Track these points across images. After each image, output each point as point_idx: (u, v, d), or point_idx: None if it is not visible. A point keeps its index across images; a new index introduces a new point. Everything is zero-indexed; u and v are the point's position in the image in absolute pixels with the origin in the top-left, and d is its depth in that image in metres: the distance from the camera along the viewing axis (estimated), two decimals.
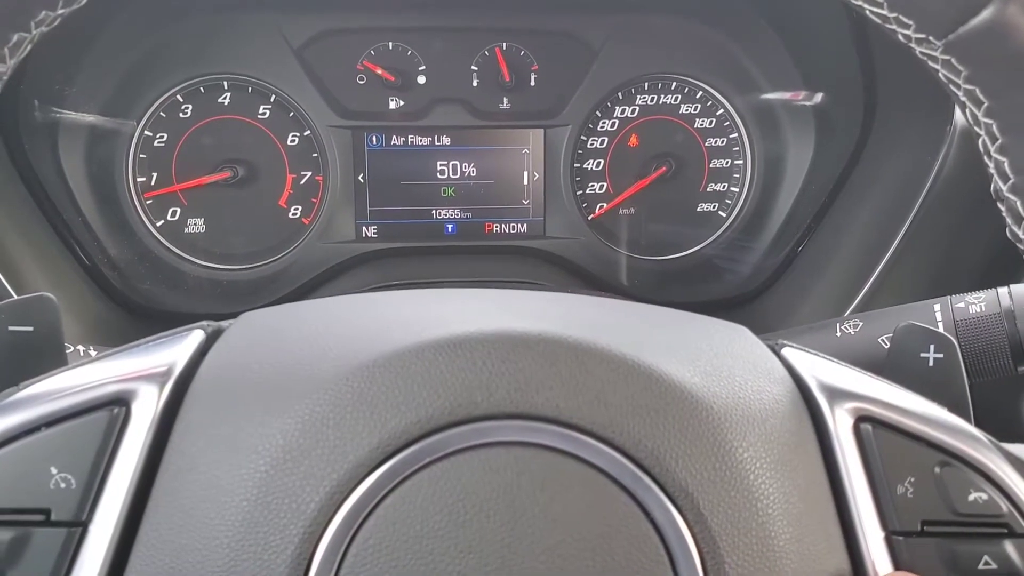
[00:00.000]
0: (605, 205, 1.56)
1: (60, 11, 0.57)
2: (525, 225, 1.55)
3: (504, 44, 1.51)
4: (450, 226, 1.55)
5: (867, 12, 0.59)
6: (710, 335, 0.59)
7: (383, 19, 1.49)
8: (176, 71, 1.45)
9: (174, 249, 1.50)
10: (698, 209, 1.58)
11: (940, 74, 0.59)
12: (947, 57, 0.57)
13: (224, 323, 0.60)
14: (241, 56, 1.46)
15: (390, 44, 1.50)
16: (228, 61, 1.46)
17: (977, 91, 0.57)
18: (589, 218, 1.56)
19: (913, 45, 0.58)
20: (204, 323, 0.59)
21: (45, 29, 0.57)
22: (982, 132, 0.58)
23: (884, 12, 0.58)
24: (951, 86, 0.59)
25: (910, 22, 0.56)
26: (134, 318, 1.43)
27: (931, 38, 0.56)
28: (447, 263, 1.55)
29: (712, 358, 0.55)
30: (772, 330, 0.99)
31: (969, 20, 0.54)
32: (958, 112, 1.19)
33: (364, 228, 1.53)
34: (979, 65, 0.56)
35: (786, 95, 1.51)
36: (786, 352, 0.59)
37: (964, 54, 0.56)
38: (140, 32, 1.41)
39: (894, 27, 0.58)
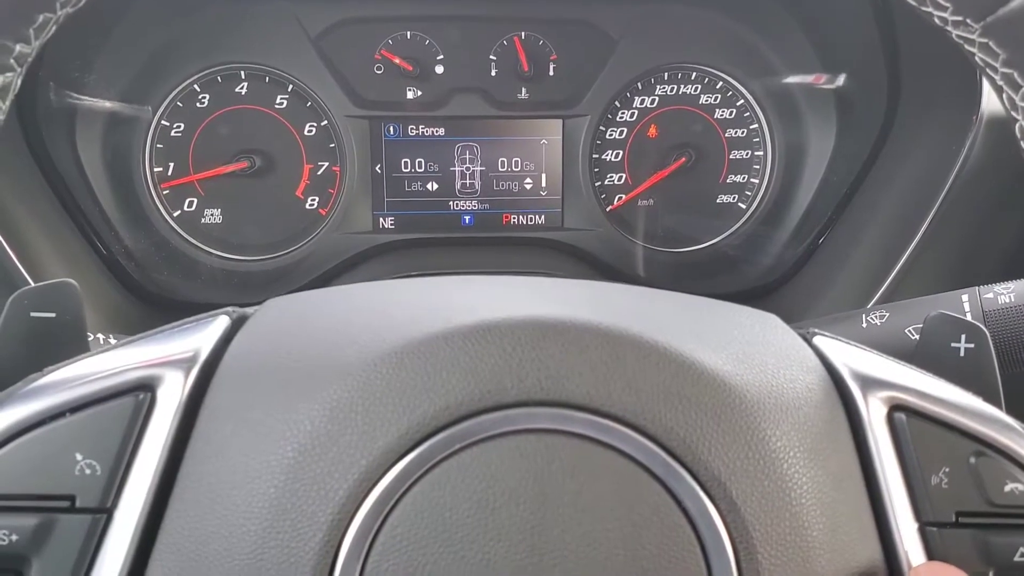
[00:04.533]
0: (624, 196, 1.55)
1: None
2: (543, 216, 1.55)
3: (523, 33, 1.50)
4: (467, 217, 1.54)
5: None
6: (740, 323, 0.58)
7: (401, 8, 1.48)
8: (193, 60, 1.45)
9: (191, 239, 1.50)
10: (718, 200, 1.57)
11: (976, 58, 0.58)
12: (985, 40, 0.56)
13: (249, 309, 0.59)
14: (258, 45, 1.46)
15: (408, 33, 1.49)
16: (245, 50, 1.46)
17: (1015, 74, 0.56)
18: (607, 209, 1.55)
19: (949, 28, 0.57)
20: (229, 309, 0.59)
21: (70, 10, 0.56)
22: (1020, 116, 0.57)
23: None
24: (988, 70, 0.58)
25: (947, 4, 0.55)
26: (150, 308, 1.43)
27: (969, 20, 0.55)
28: (464, 254, 1.54)
29: (743, 346, 0.54)
30: (793, 322, 0.98)
31: (1009, 1, 0.53)
32: (985, 98, 1.18)
33: (381, 219, 1.52)
34: (1018, 47, 0.55)
35: (808, 79, 1.50)
36: (818, 340, 0.59)
37: (1003, 36, 0.55)
38: (158, 20, 1.41)
39: (930, 9, 0.57)
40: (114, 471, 0.49)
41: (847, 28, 1.41)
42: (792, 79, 1.51)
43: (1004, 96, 0.58)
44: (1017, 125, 0.58)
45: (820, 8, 1.45)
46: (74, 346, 0.61)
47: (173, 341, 0.55)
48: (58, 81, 1.35)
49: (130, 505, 0.48)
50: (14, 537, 0.47)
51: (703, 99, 1.54)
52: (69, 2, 0.56)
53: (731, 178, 1.56)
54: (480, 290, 0.59)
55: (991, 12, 0.54)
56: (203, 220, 1.50)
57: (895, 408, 0.53)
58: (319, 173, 1.51)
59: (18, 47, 0.55)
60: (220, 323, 0.57)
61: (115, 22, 1.38)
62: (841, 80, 1.46)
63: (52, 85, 1.34)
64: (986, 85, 1.17)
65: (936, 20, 0.58)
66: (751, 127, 1.54)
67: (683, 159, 1.53)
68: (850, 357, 0.57)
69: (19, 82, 0.57)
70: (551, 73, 1.52)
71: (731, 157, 1.55)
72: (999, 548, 0.51)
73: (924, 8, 0.57)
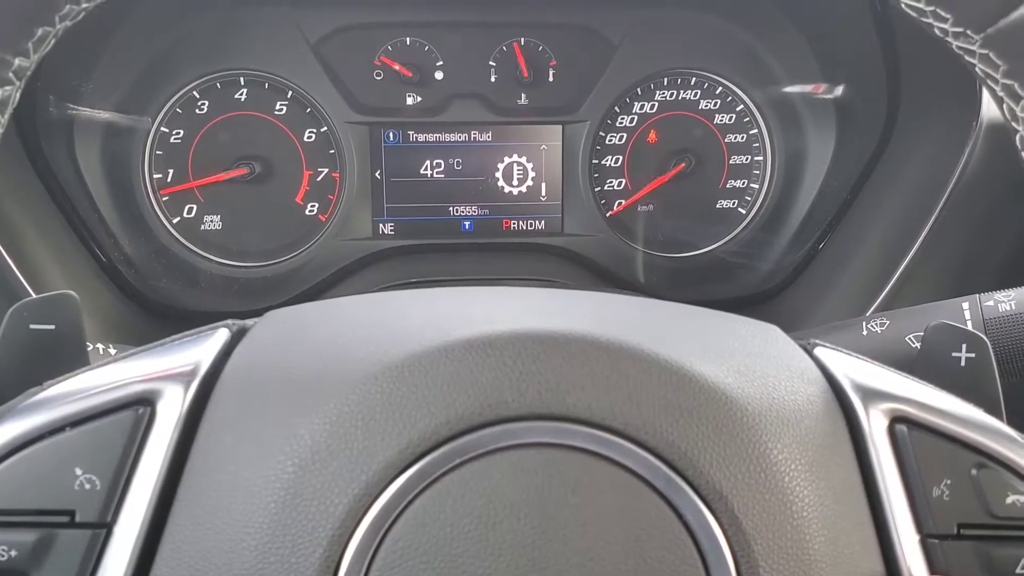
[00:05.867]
0: (623, 202, 1.55)
1: (84, 5, 0.56)
2: (543, 222, 1.55)
3: (522, 39, 1.50)
4: (467, 223, 1.54)
5: (902, 5, 0.58)
6: (741, 334, 0.58)
7: (400, 14, 1.48)
8: (192, 67, 1.45)
9: (190, 246, 1.50)
10: (717, 206, 1.57)
11: (977, 69, 0.58)
12: (985, 51, 0.56)
13: (249, 322, 0.59)
14: (258, 51, 1.46)
15: (407, 39, 1.49)
16: (245, 57, 1.46)
17: (1016, 86, 0.56)
18: (607, 215, 1.55)
19: (950, 39, 0.57)
20: (228, 322, 0.59)
21: (69, 23, 0.56)
22: (1020, 127, 0.57)
23: (921, 6, 0.57)
24: (988, 81, 0.57)
25: (948, 15, 0.55)
26: (150, 316, 1.43)
27: (969, 32, 0.55)
28: (464, 261, 1.54)
29: (744, 358, 0.54)
30: (793, 329, 0.98)
31: (1009, 13, 0.53)
32: (984, 106, 1.18)
33: (381, 225, 1.52)
34: (1018, 59, 0.55)
35: (807, 88, 1.50)
36: (818, 352, 0.59)
37: (1003, 48, 0.55)
38: (157, 28, 1.41)
39: (931, 20, 0.57)
40: (114, 486, 0.49)
41: (847, 37, 1.41)
42: (791, 88, 1.51)
43: (1005, 107, 0.58)
44: (1018, 136, 0.58)
45: (820, 16, 1.45)
46: (74, 359, 0.61)
47: (173, 354, 0.55)
48: (56, 92, 1.34)
49: (130, 520, 0.48)
50: (13, 553, 0.47)
51: (703, 104, 1.54)
52: (68, 15, 0.55)
53: (731, 183, 1.56)
54: (480, 302, 0.59)
55: (992, 23, 0.54)
56: (203, 227, 1.49)
57: (896, 420, 0.53)
58: (319, 179, 1.50)
59: (17, 61, 0.55)
60: (220, 336, 0.56)
61: (113, 31, 1.37)
62: (840, 90, 1.46)
63: (51, 96, 1.34)
64: (986, 93, 1.17)
65: (937, 31, 0.58)
66: (751, 132, 1.54)
67: (683, 164, 1.53)
68: (851, 368, 0.57)
69: (18, 95, 0.57)
70: (551, 79, 1.52)
71: (731, 162, 1.55)
72: (1001, 560, 0.50)
73: (925, 19, 0.57)
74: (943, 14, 0.56)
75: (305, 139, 1.49)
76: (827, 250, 1.45)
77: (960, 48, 0.57)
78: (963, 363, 0.63)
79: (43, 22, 0.55)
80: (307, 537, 0.46)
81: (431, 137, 1.51)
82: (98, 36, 1.37)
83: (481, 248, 1.55)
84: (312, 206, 1.51)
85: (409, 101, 1.51)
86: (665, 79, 1.53)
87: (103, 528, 0.48)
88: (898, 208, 1.31)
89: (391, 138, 1.50)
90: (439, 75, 1.51)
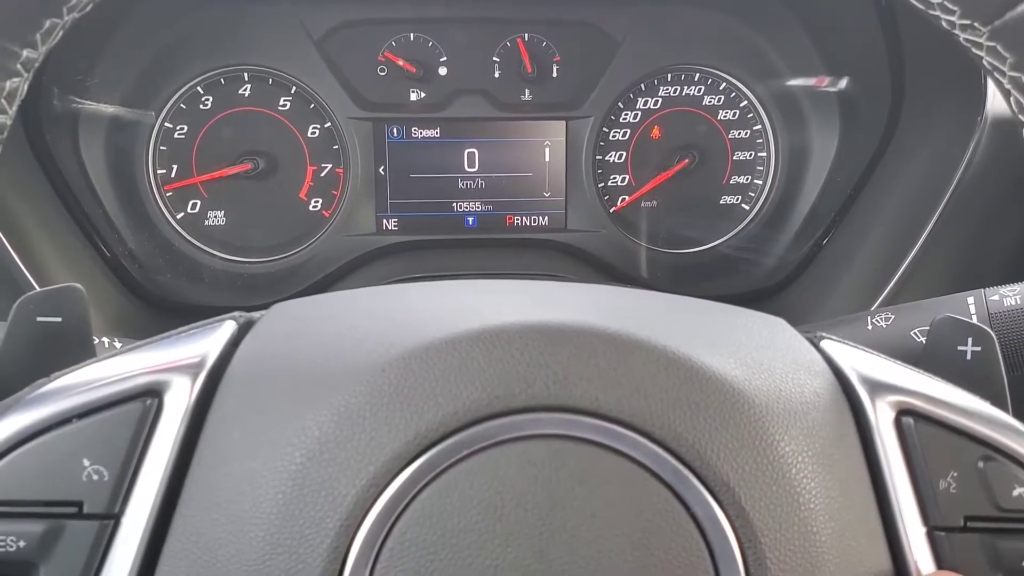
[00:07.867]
0: (627, 198, 1.55)
1: None
2: (546, 218, 1.55)
3: (526, 35, 1.50)
4: (471, 219, 1.54)
5: None
6: (748, 327, 0.58)
7: (404, 10, 1.48)
8: (196, 62, 1.45)
9: (194, 242, 1.50)
10: (721, 202, 1.57)
11: (984, 61, 0.57)
12: (993, 44, 0.55)
13: (256, 314, 0.59)
14: (262, 47, 1.46)
15: (411, 35, 1.49)
16: (249, 52, 1.46)
17: (1023, 78, 0.56)
18: (611, 211, 1.55)
19: (957, 32, 0.57)
20: (236, 314, 0.59)
21: (76, 15, 0.56)
22: None
23: None
24: (995, 73, 0.57)
25: (955, 8, 0.55)
26: (154, 311, 1.43)
27: (977, 24, 0.55)
28: (468, 256, 1.54)
29: (752, 350, 0.54)
30: (797, 324, 0.98)
31: (1017, 5, 0.53)
32: (989, 100, 1.18)
33: (384, 221, 1.52)
34: None
35: (810, 81, 1.50)
36: (825, 344, 0.59)
37: (1011, 40, 0.55)
38: (161, 23, 1.41)
39: (938, 13, 0.57)
40: (121, 477, 0.49)
41: (851, 30, 1.41)
42: (795, 82, 1.51)
43: (1012, 100, 0.58)
44: None
45: (824, 10, 1.45)
46: (80, 351, 0.61)
47: (180, 346, 0.55)
48: (61, 85, 1.35)
49: (138, 511, 0.48)
50: (21, 543, 0.47)
51: (706, 100, 1.54)
52: (76, 7, 0.56)
53: (734, 179, 1.56)
54: (487, 295, 0.59)
55: (999, 16, 0.54)
56: (207, 222, 1.50)
57: (903, 412, 0.53)
58: (322, 175, 1.51)
59: (25, 52, 0.55)
60: (227, 328, 0.56)
61: (118, 25, 1.38)
62: (844, 83, 1.46)
63: (55, 90, 1.34)
64: (991, 87, 1.16)
65: (944, 24, 0.58)
66: (754, 128, 1.54)
67: (686, 160, 1.53)
68: (858, 361, 0.57)
69: (25, 87, 0.57)
70: (554, 75, 1.52)
71: (734, 158, 1.55)
72: (1008, 553, 0.50)
73: (932, 12, 0.57)
74: (950, 6, 0.56)
75: (309, 135, 1.49)
76: (831, 245, 1.45)
77: (967, 41, 0.57)
78: (969, 357, 0.63)
79: (51, 13, 0.55)
80: (315, 528, 0.46)
81: (435, 133, 1.51)
82: (103, 30, 1.37)
83: (484, 244, 1.55)
84: (316, 202, 1.51)
85: (413, 97, 1.51)
86: (669, 75, 1.53)
87: (111, 519, 0.48)
88: (902, 203, 1.31)
89: (395, 134, 1.50)
90: (443, 71, 1.51)
